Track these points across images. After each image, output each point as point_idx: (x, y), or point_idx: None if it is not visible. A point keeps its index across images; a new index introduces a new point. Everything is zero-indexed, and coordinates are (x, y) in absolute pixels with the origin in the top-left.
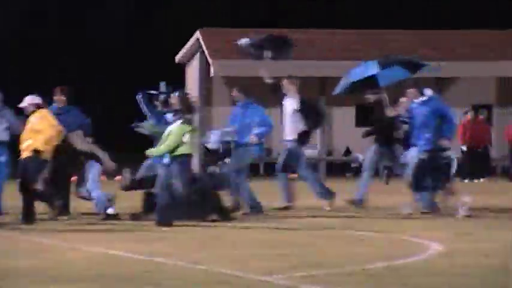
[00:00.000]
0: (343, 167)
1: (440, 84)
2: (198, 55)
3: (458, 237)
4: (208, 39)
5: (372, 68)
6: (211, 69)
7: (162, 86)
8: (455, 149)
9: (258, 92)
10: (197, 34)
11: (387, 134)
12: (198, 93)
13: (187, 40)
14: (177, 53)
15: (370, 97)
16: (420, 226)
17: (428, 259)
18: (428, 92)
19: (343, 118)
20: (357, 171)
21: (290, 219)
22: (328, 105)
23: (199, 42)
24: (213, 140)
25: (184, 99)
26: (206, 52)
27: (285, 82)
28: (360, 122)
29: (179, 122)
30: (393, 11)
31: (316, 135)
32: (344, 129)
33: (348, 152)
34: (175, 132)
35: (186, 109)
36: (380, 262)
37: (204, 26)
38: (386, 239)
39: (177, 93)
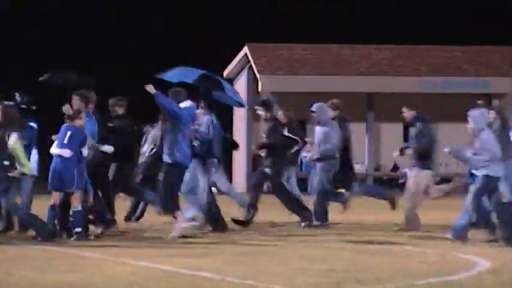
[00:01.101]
0: (390, 183)
1: (489, 100)
2: (245, 70)
3: (505, 253)
4: (256, 54)
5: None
6: (259, 85)
7: (17, 95)
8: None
9: (302, 106)
10: (245, 49)
11: None
12: (247, 108)
13: (235, 55)
14: (225, 68)
15: None
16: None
17: (477, 276)
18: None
19: (391, 134)
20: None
21: (336, 236)
22: (376, 121)
23: (247, 57)
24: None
25: (6, 112)
26: (254, 67)
27: (74, 99)
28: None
29: (14, 136)
30: (438, 26)
31: (364, 151)
32: (392, 145)
33: (395, 168)
34: (18, 148)
35: (8, 122)
36: (429, 278)
37: (251, 41)
38: (434, 254)
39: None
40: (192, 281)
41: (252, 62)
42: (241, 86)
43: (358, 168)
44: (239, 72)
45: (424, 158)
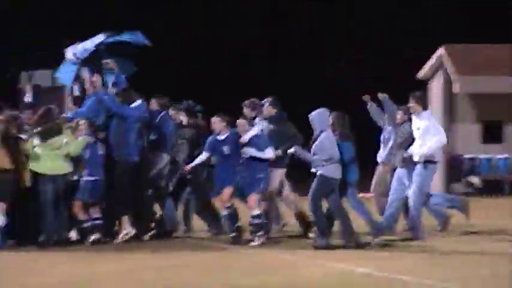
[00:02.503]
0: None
1: None
2: (441, 72)
3: None
4: (451, 56)
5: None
6: (455, 86)
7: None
8: None
9: (499, 108)
10: (440, 50)
11: None
12: (442, 110)
13: (430, 56)
14: (419, 69)
15: None
16: None
17: None
18: None
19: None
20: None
21: None
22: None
23: (442, 59)
24: None
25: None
26: (449, 69)
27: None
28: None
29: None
30: None
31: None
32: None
33: None
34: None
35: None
36: None
37: (447, 42)
38: None
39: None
40: (389, 284)
41: (447, 64)
42: (435, 88)
43: None
44: (434, 74)
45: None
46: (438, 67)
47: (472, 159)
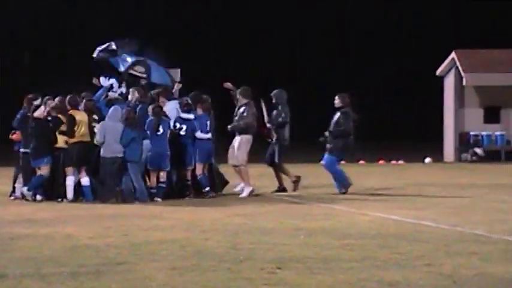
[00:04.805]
0: None
1: None
2: (453, 70)
3: None
4: (461, 58)
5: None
6: (464, 81)
7: None
8: None
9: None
10: (453, 54)
11: None
12: (454, 98)
13: (446, 57)
14: (437, 68)
15: None
16: None
17: None
18: None
19: None
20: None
21: None
22: None
23: (454, 60)
24: None
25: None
26: (460, 68)
27: None
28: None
29: None
30: None
31: None
32: None
33: None
34: None
35: None
36: None
37: (458, 47)
38: None
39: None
40: (414, 228)
41: (458, 64)
42: (450, 82)
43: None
44: (448, 71)
45: None
46: (451, 66)
47: (476, 135)
